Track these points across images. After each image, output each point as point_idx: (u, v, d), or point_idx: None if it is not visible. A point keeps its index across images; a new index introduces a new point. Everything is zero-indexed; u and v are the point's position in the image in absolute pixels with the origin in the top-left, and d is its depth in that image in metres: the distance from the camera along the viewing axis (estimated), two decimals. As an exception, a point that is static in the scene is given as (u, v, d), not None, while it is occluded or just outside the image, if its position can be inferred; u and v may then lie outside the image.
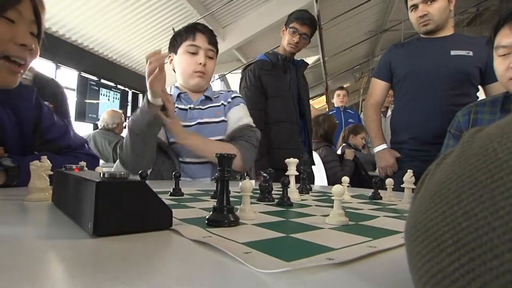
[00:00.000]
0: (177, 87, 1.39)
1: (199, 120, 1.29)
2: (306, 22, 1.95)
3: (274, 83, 1.93)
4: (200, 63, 1.28)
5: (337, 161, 2.88)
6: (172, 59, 1.37)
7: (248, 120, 1.33)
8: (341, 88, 4.61)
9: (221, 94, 1.41)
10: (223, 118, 1.33)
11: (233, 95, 1.39)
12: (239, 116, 1.32)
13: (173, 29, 5.26)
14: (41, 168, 0.57)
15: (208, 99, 1.35)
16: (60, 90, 2.05)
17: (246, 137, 1.27)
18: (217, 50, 1.37)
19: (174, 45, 1.35)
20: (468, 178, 0.15)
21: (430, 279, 0.15)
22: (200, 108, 1.32)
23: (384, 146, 1.77)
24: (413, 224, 0.18)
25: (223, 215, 0.41)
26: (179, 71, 1.34)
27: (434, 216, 0.16)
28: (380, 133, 1.80)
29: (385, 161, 1.74)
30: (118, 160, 1.49)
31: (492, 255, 0.13)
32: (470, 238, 0.14)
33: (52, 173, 0.59)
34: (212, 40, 1.33)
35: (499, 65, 1.15)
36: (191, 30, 1.31)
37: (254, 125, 1.34)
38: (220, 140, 1.28)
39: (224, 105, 1.36)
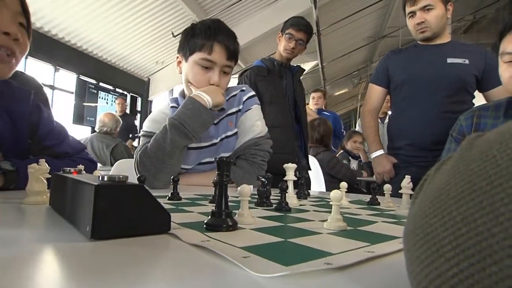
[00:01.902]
0: (183, 97, 1.20)
1: (214, 141, 1.16)
2: (302, 28, 1.97)
3: (270, 89, 1.93)
4: (213, 84, 1.11)
5: (347, 159, 2.87)
6: (180, 62, 1.18)
7: (256, 131, 1.17)
8: (316, 90, 4.27)
9: (233, 97, 1.23)
10: (235, 130, 1.19)
11: (245, 97, 1.23)
12: (247, 127, 1.18)
13: (173, 33, 5.29)
14: (39, 171, 0.57)
15: (220, 110, 1.16)
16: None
17: (248, 155, 1.14)
18: (236, 61, 1.17)
19: (185, 50, 1.13)
20: (467, 184, 0.16)
21: (429, 284, 0.15)
22: (213, 124, 1.16)
23: (381, 151, 1.78)
24: (412, 229, 0.18)
25: (222, 220, 0.41)
26: (186, 80, 1.15)
27: (433, 221, 0.16)
28: (377, 139, 1.81)
29: (382, 167, 1.75)
30: (115, 164, 1.47)
31: (491, 261, 0.13)
32: (469, 243, 0.14)
33: (50, 176, 0.58)
34: (231, 52, 1.12)
35: (504, 71, 1.14)
36: (210, 40, 1.08)
37: (263, 134, 1.18)
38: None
39: (236, 113, 1.21)
